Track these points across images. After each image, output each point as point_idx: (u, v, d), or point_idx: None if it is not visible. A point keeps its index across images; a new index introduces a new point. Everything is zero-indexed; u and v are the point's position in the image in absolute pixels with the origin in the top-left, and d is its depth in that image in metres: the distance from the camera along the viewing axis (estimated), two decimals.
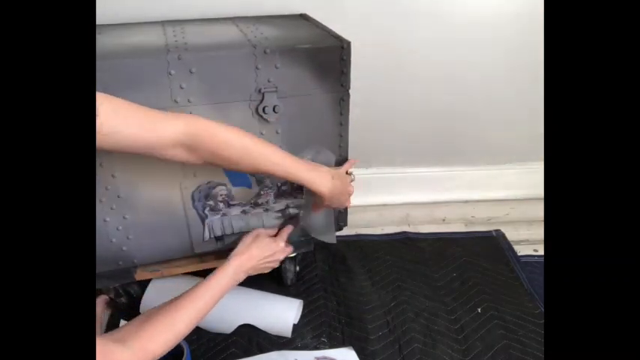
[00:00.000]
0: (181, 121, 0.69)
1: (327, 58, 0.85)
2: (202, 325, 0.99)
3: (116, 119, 0.62)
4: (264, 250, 0.90)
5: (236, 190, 0.93)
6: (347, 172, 0.93)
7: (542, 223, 1.34)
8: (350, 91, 0.90)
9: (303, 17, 1.08)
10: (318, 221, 0.99)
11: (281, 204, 0.97)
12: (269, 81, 0.83)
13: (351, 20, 1.06)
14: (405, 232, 1.33)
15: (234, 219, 0.95)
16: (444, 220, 1.42)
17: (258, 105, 0.84)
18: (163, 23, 0.99)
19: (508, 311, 1.06)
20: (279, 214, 0.98)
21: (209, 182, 0.90)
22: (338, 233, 1.06)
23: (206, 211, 0.93)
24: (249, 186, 0.93)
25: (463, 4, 1.16)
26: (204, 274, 0.87)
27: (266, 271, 0.94)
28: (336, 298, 1.10)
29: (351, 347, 0.97)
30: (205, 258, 1.00)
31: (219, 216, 0.94)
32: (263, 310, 1.02)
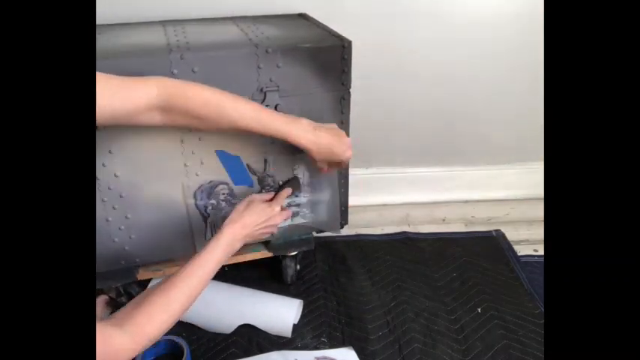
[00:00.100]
0: (153, 85, 0.69)
1: (329, 57, 0.86)
2: (202, 325, 0.99)
3: None
4: (260, 215, 0.84)
5: (238, 189, 0.93)
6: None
7: (542, 223, 1.34)
8: (351, 90, 0.91)
9: (303, 17, 1.08)
10: (321, 212, 0.99)
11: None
12: (271, 80, 0.83)
13: (351, 20, 1.06)
14: (405, 232, 1.33)
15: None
16: (444, 220, 1.42)
17: (260, 104, 0.84)
18: (164, 23, 1.00)
19: (508, 311, 1.06)
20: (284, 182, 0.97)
21: (211, 181, 0.90)
22: (338, 233, 1.06)
23: (208, 210, 0.93)
24: (251, 185, 0.93)
25: (463, 3, 1.16)
26: None
27: (263, 238, 0.90)
28: (336, 298, 1.10)
29: (351, 347, 0.97)
30: None
31: (221, 215, 0.94)
32: (263, 310, 1.02)
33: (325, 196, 0.98)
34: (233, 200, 0.93)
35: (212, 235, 0.94)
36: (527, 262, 1.24)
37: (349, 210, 1.07)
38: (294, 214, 1.00)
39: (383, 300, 1.09)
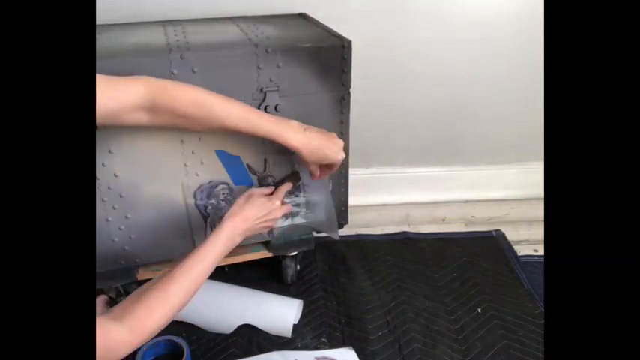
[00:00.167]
0: (141, 84, 0.68)
1: (329, 57, 0.86)
2: (202, 325, 0.99)
3: None
4: (260, 209, 0.84)
5: (238, 189, 0.93)
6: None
7: (542, 223, 1.34)
8: (351, 90, 0.91)
9: (303, 17, 1.08)
10: (319, 214, 0.99)
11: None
12: (271, 80, 0.83)
13: (351, 20, 1.07)
14: (405, 232, 1.33)
15: None
16: (444, 220, 1.42)
17: (260, 104, 0.85)
18: (164, 23, 1.00)
19: (508, 311, 1.06)
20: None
21: (211, 181, 0.90)
22: (338, 233, 1.06)
23: (208, 210, 0.93)
24: (251, 185, 0.93)
25: (463, 3, 1.16)
26: None
27: (263, 232, 0.90)
28: (336, 298, 1.10)
29: (351, 347, 0.97)
30: None
31: (221, 215, 0.94)
32: (263, 310, 1.02)
33: (320, 198, 0.98)
34: (233, 200, 0.93)
35: None
36: (527, 262, 1.24)
37: (349, 210, 1.07)
38: (294, 214, 1.00)
39: (383, 300, 1.09)
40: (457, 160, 1.42)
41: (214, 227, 0.94)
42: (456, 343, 0.99)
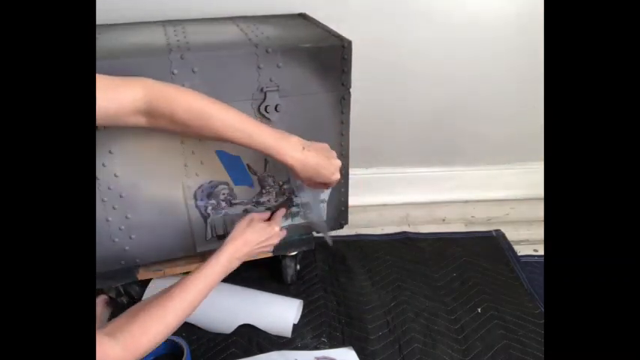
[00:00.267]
0: (139, 88, 0.67)
1: (329, 57, 0.86)
2: (202, 325, 0.99)
3: None
4: (260, 234, 0.87)
5: (238, 189, 0.93)
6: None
7: (542, 223, 1.34)
8: (351, 90, 0.91)
9: (303, 17, 1.08)
10: (310, 215, 0.99)
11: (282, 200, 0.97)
12: (271, 80, 0.83)
13: (351, 20, 1.07)
14: (405, 232, 1.34)
15: (236, 218, 0.95)
16: (444, 220, 1.42)
17: (261, 104, 0.85)
18: (164, 23, 1.00)
19: (508, 311, 1.06)
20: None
21: (211, 181, 0.90)
22: (338, 233, 1.06)
23: (208, 210, 0.93)
24: (251, 185, 0.93)
25: (463, 4, 1.16)
26: None
27: (260, 257, 0.92)
28: (336, 298, 1.10)
29: (351, 347, 0.97)
30: (207, 257, 0.99)
31: (221, 215, 0.94)
32: (263, 310, 1.02)
33: (308, 198, 0.98)
34: (233, 200, 0.93)
35: (212, 235, 0.95)
36: (527, 262, 1.24)
37: (349, 210, 1.07)
38: (294, 214, 1.00)
39: (383, 300, 1.10)
40: (457, 160, 1.42)
41: (215, 228, 0.95)
42: (456, 343, 0.99)
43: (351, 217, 1.09)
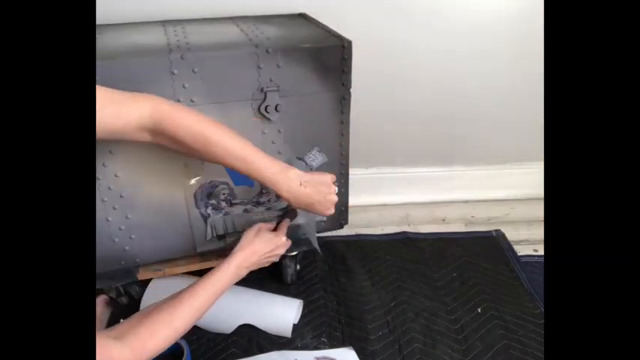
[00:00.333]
0: (147, 106, 0.68)
1: (329, 57, 0.86)
2: (202, 325, 0.99)
3: None
4: (267, 244, 0.88)
5: (238, 189, 0.93)
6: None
7: (542, 223, 1.34)
8: (351, 90, 0.91)
9: (303, 17, 1.08)
10: (303, 222, 0.98)
11: (282, 203, 0.97)
12: (271, 80, 0.83)
13: (351, 20, 1.07)
14: (405, 232, 1.33)
15: (236, 217, 0.95)
16: (444, 220, 1.42)
17: (261, 104, 0.85)
18: (164, 23, 1.00)
19: (508, 311, 1.06)
20: (281, 213, 0.98)
21: (211, 182, 0.90)
22: (338, 233, 1.06)
23: (208, 210, 0.93)
24: (251, 185, 0.93)
25: (464, 4, 1.16)
26: (205, 273, 0.87)
27: (266, 266, 0.92)
28: (336, 298, 1.10)
29: (351, 347, 0.97)
30: (207, 257, 1.00)
31: (221, 215, 0.94)
32: (263, 310, 1.02)
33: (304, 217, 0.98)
34: (233, 200, 0.93)
35: (212, 235, 0.95)
36: (527, 262, 1.24)
37: (349, 210, 1.07)
38: (293, 208, 1.00)
39: (383, 300, 1.10)
40: (457, 160, 1.42)
41: (214, 227, 0.95)
42: (456, 343, 0.99)
43: (351, 217, 1.09)
